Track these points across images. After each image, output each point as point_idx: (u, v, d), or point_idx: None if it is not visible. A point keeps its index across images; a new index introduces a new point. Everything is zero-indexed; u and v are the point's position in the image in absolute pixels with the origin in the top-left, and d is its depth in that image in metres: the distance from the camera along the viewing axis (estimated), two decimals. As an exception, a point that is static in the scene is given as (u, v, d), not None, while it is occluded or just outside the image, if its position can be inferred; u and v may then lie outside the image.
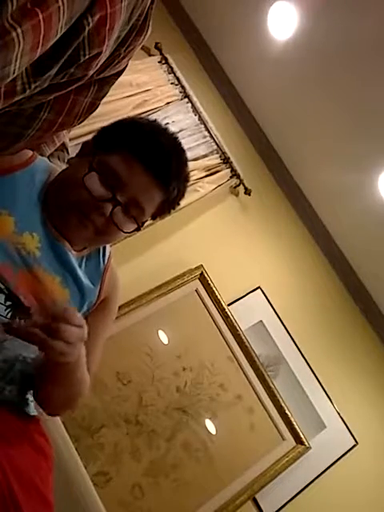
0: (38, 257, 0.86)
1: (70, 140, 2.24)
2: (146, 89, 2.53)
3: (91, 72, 0.75)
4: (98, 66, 0.75)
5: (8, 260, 0.82)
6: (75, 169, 0.91)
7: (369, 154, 2.29)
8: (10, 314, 0.83)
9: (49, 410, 0.96)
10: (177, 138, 0.96)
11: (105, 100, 2.56)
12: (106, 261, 1.01)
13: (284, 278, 2.51)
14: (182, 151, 0.96)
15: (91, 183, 0.86)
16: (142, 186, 0.89)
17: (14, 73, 0.59)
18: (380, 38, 2.01)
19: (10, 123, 0.82)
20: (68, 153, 1.26)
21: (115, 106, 2.40)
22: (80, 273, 0.93)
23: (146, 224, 0.97)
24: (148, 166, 0.88)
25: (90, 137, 2.42)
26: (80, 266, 0.94)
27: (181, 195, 0.97)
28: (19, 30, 0.55)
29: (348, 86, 2.21)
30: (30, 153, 0.95)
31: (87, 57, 0.68)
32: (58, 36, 0.60)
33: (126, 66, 0.87)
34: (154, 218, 0.98)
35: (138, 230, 0.93)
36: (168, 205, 0.95)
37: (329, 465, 2.23)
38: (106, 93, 0.90)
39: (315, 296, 2.52)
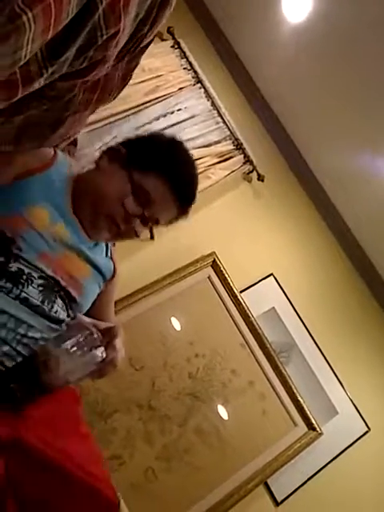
0: (67, 243, 0.97)
1: (91, 124, 2.23)
2: (158, 74, 2.51)
3: (110, 53, 0.75)
4: (118, 46, 0.74)
5: (46, 248, 0.93)
6: (111, 180, 1.00)
7: (380, 136, 2.26)
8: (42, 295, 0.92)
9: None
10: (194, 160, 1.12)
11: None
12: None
13: (296, 265, 2.50)
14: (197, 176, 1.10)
15: (128, 202, 0.98)
16: (168, 208, 1.03)
17: (25, 57, 0.59)
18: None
19: (49, 109, 0.85)
20: (76, 145, 1.28)
21: (127, 92, 2.37)
22: (97, 255, 1.04)
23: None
24: (178, 194, 1.01)
25: (99, 125, 2.40)
26: (94, 248, 1.05)
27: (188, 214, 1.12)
28: (30, 14, 0.55)
29: (364, 69, 2.17)
30: (53, 150, 1.02)
31: (105, 37, 0.68)
32: (70, 17, 0.60)
33: (152, 39, 0.88)
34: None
35: (151, 237, 1.04)
36: (175, 221, 1.10)
37: (341, 451, 2.24)
38: (137, 64, 0.93)
39: (328, 283, 2.51)
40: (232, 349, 2.22)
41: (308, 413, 2.21)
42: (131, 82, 2.59)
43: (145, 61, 2.44)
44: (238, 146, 2.54)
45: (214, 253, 2.30)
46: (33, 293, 0.89)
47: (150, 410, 2.02)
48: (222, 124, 2.56)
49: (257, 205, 2.53)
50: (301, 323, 2.38)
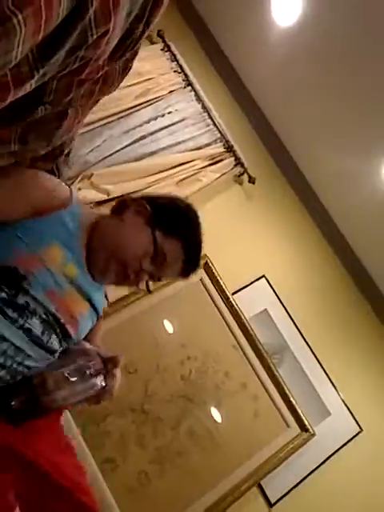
0: (75, 281, 1.01)
1: (90, 124, 2.22)
2: (148, 77, 2.51)
3: (101, 51, 0.75)
4: (110, 44, 0.75)
5: (54, 285, 0.96)
6: (136, 236, 1.04)
7: (374, 142, 2.28)
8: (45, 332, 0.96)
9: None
10: None
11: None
12: None
13: (288, 267, 2.51)
14: None
15: (145, 260, 1.03)
16: (175, 270, 1.09)
17: (16, 58, 0.59)
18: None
19: (51, 108, 0.86)
20: (69, 156, 1.31)
21: (117, 95, 2.39)
22: (97, 294, 1.08)
23: None
24: (188, 261, 1.08)
25: (90, 128, 2.39)
26: (95, 287, 1.09)
27: None
28: (20, 16, 0.55)
29: (353, 71, 2.19)
30: (69, 189, 1.05)
31: (95, 37, 0.68)
32: (60, 19, 0.60)
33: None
34: None
35: (149, 291, 1.14)
36: (173, 280, 1.19)
37: (333, 451, 2.25)
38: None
39: (320, 284, 2.52)
40: (224, 351, 2.22)
41: (301, 414, 2.22)
42: (122, 84, 2.59)
43: (135, 64, 2.43)
44: (229, 149, 2.55)
45: (206, 255, 2.31)
46: (35, 324, 0.93)
47: (143, 414, 2.02)
48: (212, 126, 2.57)
49: (248, 207, 2.54)
50: (293, 325, 2.39)
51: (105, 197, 2.19)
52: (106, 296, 1.17)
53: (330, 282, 2.55)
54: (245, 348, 2.25)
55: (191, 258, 1.09)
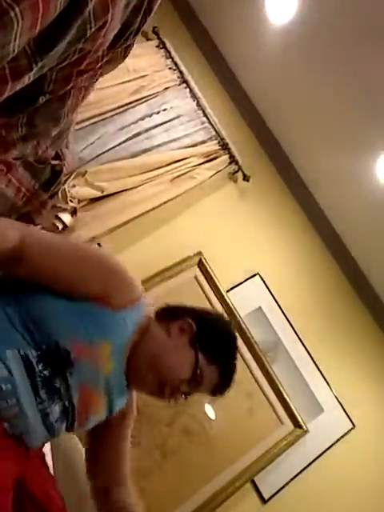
0: (108, 382, 1.01)
1: (76, 123, 2.22)
2: (143, 74, 2.50)
3: (99, 43, 0.76)
4: (108, 36, 0.75)
5: (90, 380, 0.97)
6: (180, 358, 1.04)
7: (368, 139, 2.29)
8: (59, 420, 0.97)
9: None
10: None
11: (101, 86, 2.52)
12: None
13: (282, 264, 2.52)
14: None
15: (184, 383, 1.04)
16: (206, 391, 1.09)
17: (13, 51, 0.59)
18: (376, 20, 1.99)
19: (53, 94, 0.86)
20: (68, 147, 1.31)
21: (112, 92, 2.38)
22: (120, 399, 1.09)
23: None
24: (222, 385, 1.08)
25: (84, 125, 2.37)
26: (122, 391, 1.09)
27: None
28: (17, 9, 0.55)
29: (349, 69, 2.20)
30: (140, 292, 1.04)
31: (94, 29, 0.69)
32: (58, 12, 0.60)
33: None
34: None
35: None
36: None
37: (326, 448, 2.26)
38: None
39: (313, 281, 2.53)
40: (219, 348, 2.22)
41: (294, 411, 2.23)
42: (116, 81, 2.57)
43: (130, 60, 2.43)
44: (224, 146, 2.55)
45: (201, 252, 2.31)
46: (55, 411, 0.94)
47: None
48: (207, 124, 2.57)
49: (242, 205, 2.55)
50: (287, 322, 2.40)
51: (99, 194, 2.19)
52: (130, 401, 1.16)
53: (323, 280, 2.56)
54: (239, 345, 2.25)
55: (225, 382, 1.09)
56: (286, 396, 2.24)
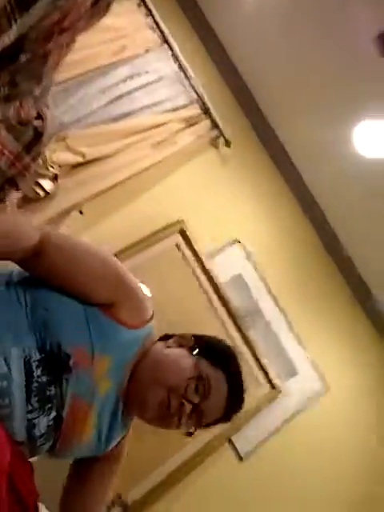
0: (101, 398, 0.98)
1: (56, 85, 2.15)
2: (123, 34, 2.42)
3: (80, 1, 0.76)
4: None
5: (83, 393, 0.94)
6: (181, 359, 1.03)
7: (347, 107, 2.29)
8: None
9: None
10: None
11: (82, 45, 2.42)
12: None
13: (263, 232, 2.55)
14: None
15: (189, 387, 1.00)
16: (218, 408, 1.03)
17: None
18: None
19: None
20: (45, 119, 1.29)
21: (93, 52, 2.30)
22: (114, 430, 1.05)
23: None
24: (232, 398, 1.04)
25: (64, 85, 2.30)
26: (116, 420, 1.05)
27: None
28: None
29: (334, 39, 2.17)
30: (151, 313, 1.03)
31: None
32: None
33: None
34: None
35: (189, 434, 1.08)
36: (215, 424, 1.09)
37: (300, 408, 2.37)
38: None
39: (293, 249, 2.58)
40: (199, 314, 2.27)
41: (270, 373, 2.32)
42: (96, 41, 2.47)
43: (110, 20, 2.34)
44: (205, 111, 2.51)
45: (182, 220, 2.31)
46: (42, 424, 0.92)
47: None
48: (189, 87, 2.52)
49: (224, 171, 2.54)
50: (265, 289, 2.45)
51: (80, 159, 2.15)
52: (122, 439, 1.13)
53: (302, 248, 2.61)
54: (219, 311, 2.31)
55: (235, 397, 1.05)
56: (262, 359, 2.32)
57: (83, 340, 0.93)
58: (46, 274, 0.96)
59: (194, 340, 1.08)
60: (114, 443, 1.09)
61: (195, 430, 1.06)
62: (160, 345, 1.06)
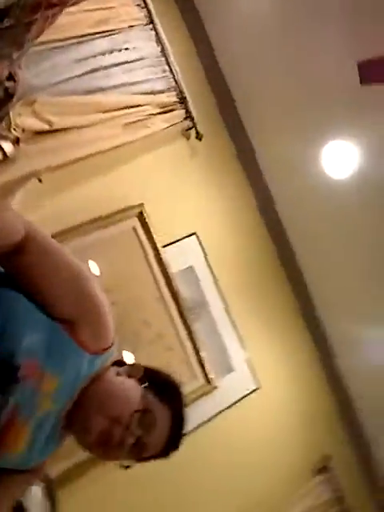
0: (38, 419, 0.95)
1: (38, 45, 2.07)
2: (109, 6, 2.36)
3: None
4: None
5: (23, 410, 0.91)
6: (129, 389, 1.01)
7: (320, 125, 2.34)
8: None
9: None
10: None
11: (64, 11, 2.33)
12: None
13: (220, 229, 2.57)
14: None
15: (133, 418, 0.98)
16: (159, 444, 1.02)
17: None
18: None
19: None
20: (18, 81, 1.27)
21: (73, 19, 2.23)
22: (48, 447, 1.03)
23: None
24: (173, 436, 1.03)
25: (37, 49, 2.22)
26: (49, 443, 1.03)
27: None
28: None
29: (316, 41, 2.20)
30: (113, 340, 1.01)
31: None
32: None
33: None
34: None
35: (126, 467, 1.06)
36: (151, 459, 1.07)
37: (232, 403, 2.43)
38: None
39: (247, 252, 2.61)
40: (147, 301, 2.27)
41: (207, 368, 2.35)
42: (78, 8, 2.39)
43: (98, -11, 2.27)
44: (182, 100, 2.49)
45: (142, 204, 2.30)
46: None
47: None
48: (168, 73, 2.49)
49: (191, 163, 2.54)
50: (214, 284, 2.48)
51: (46, 127, 2.08)
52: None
53: (255, 250, 2.64)
54: (167, 300, 2.32)
55: (176, 435, 1.05)
56: (201, 353, 2.35)
57: (38, 355, 0.90)
58: (22, 272, 0.92)
59: (144, 372, 1.07)
60: (42, 460, 1.07)
61: (133, 463, 1.05)
62: (111, 372, 1.04)
